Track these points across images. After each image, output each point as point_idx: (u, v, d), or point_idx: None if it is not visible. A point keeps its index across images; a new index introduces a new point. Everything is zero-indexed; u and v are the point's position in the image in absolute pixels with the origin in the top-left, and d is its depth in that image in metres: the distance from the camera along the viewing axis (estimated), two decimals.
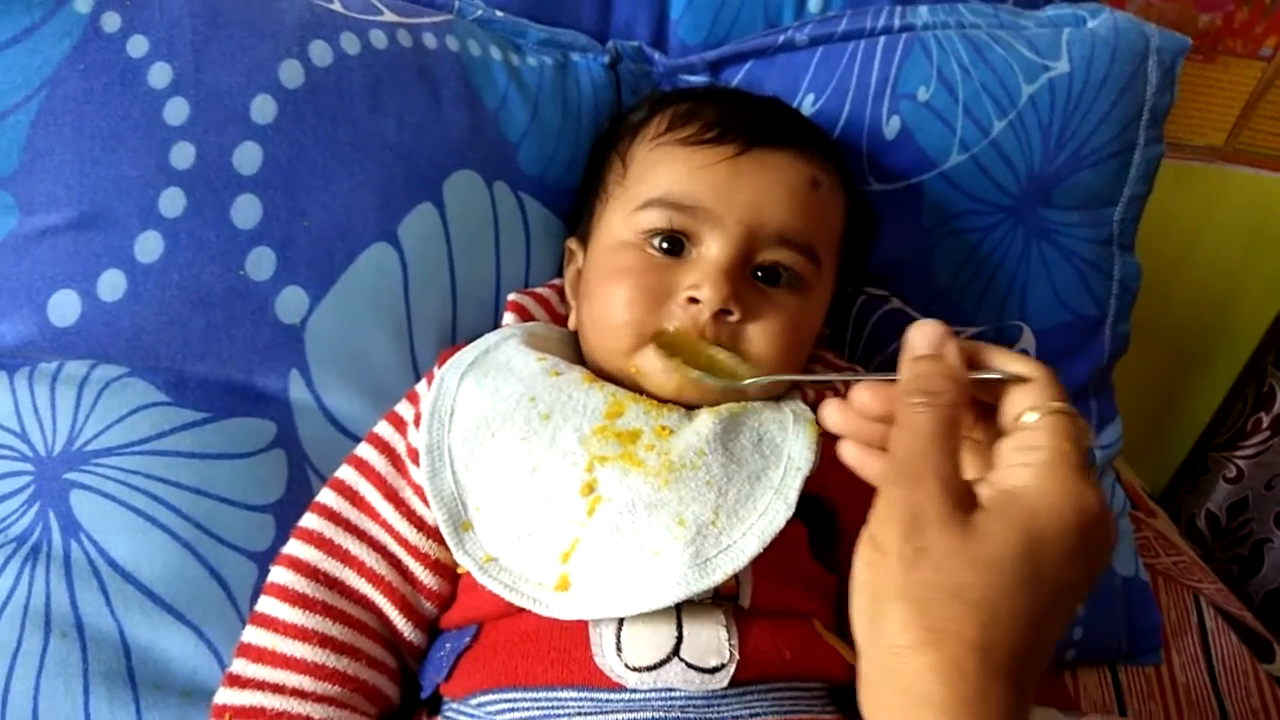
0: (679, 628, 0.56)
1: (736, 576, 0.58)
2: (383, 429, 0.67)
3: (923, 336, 0.49)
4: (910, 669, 0.40)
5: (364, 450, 0.66)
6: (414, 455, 0.64)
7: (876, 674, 0.42)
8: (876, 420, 0.50)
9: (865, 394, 0.50)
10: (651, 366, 0.64)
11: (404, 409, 0.67)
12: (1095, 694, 0.86)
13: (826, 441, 0.61)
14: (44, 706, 0.60)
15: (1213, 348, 1.41)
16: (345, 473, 0.65)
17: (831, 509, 0.64)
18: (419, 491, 0.63)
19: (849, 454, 0.51)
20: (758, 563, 0.57)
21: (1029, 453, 0.44)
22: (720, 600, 0.58)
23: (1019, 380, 0.47)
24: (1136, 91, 0.83)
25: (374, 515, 0.64)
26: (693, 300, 0.63)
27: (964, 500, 0.43)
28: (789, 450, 0.61)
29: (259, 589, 0.64)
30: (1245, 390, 1.42)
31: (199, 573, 0.64)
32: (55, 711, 0.60)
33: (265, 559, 0.65)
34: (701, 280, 0.62)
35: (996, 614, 0.40)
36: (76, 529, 0.62)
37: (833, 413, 0.52)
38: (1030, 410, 0.46)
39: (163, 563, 0.63)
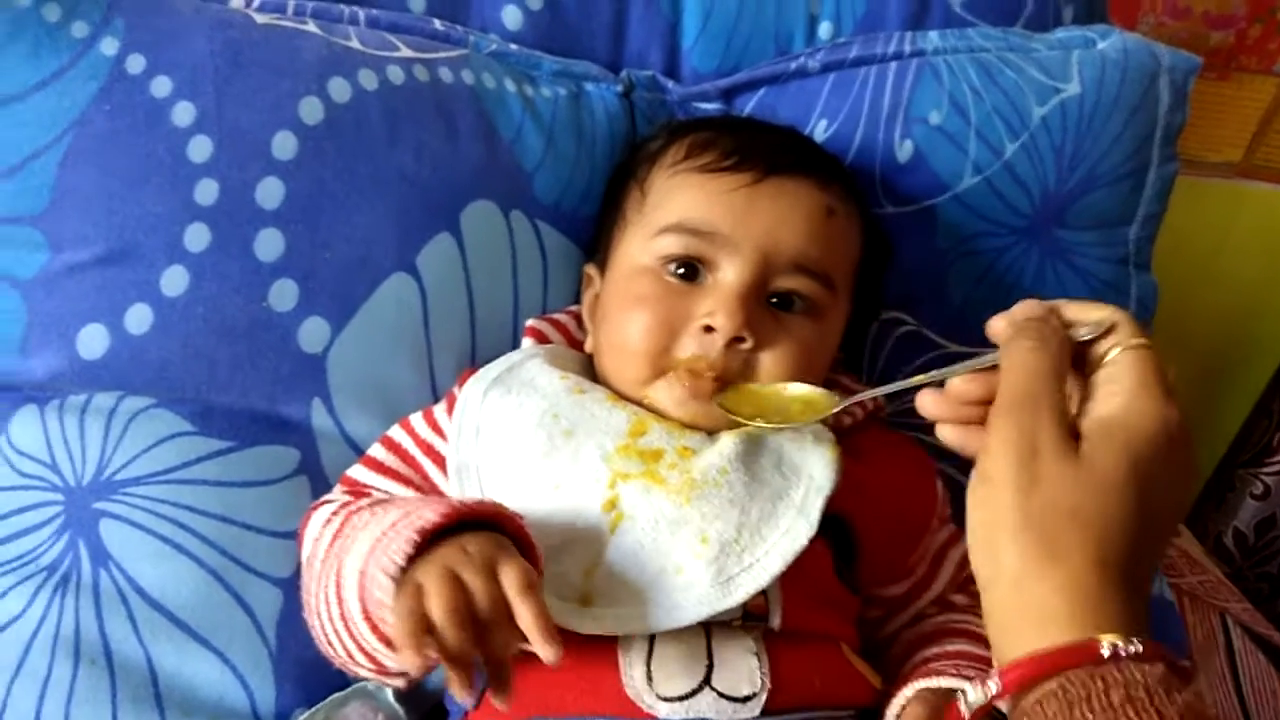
0: (709, 655, 0.57)
1: (766, 596, 0.58)
2: (394, 431, 0.69)
3: (1024, 306, 0.54)
4: (1036, 592, 0.44)
5: (394, 432, 0.69)
6: (426, 450, 0.66)
7: (1002, 605, 0.46)
8: (973, 405, 0.53)
9: (962, 382, 0.53)
10: (665, 396, 0.64)
11: (417, 422, 0.68)
12: None
13: (847, 461, 0.63)
14: None
15: (1235, 365, 1.40)
16: (379, 445, 0.68)
17: (852, 528, 0.64)
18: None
19: (947, 434, 0.54)
20: (785, 582, 0.58)
21: (1118, 382, 0.49)
22: (750, 622, 0.58)
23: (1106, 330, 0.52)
24: (1149, 111, 0.83)
25: (418, 468, 0.66)
26: (708, 329, 0.63)
27: (1070, 432, 0.47)
28: (810, 470, 0.61)
29: (284, 615, 0.66)
30: (1271, 406, 1.41)
31: (225, 599, 0.65)
32: None
33: (289, 585, 0.66)
34: (717, 308, 0.63)
35: (1109, 531, 0.44)
36: (105, 558, 0.63)
37: (929, 400, 0.55)
38: (1114, 347, 0.50)
39: (189, 589, 0.64)
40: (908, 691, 0.59)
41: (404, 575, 0.50)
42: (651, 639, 0.57)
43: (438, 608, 0.48)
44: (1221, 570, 1.06)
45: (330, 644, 0.59)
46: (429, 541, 0.51)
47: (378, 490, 0.66)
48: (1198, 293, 1.25)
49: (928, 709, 0.57)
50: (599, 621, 0.56)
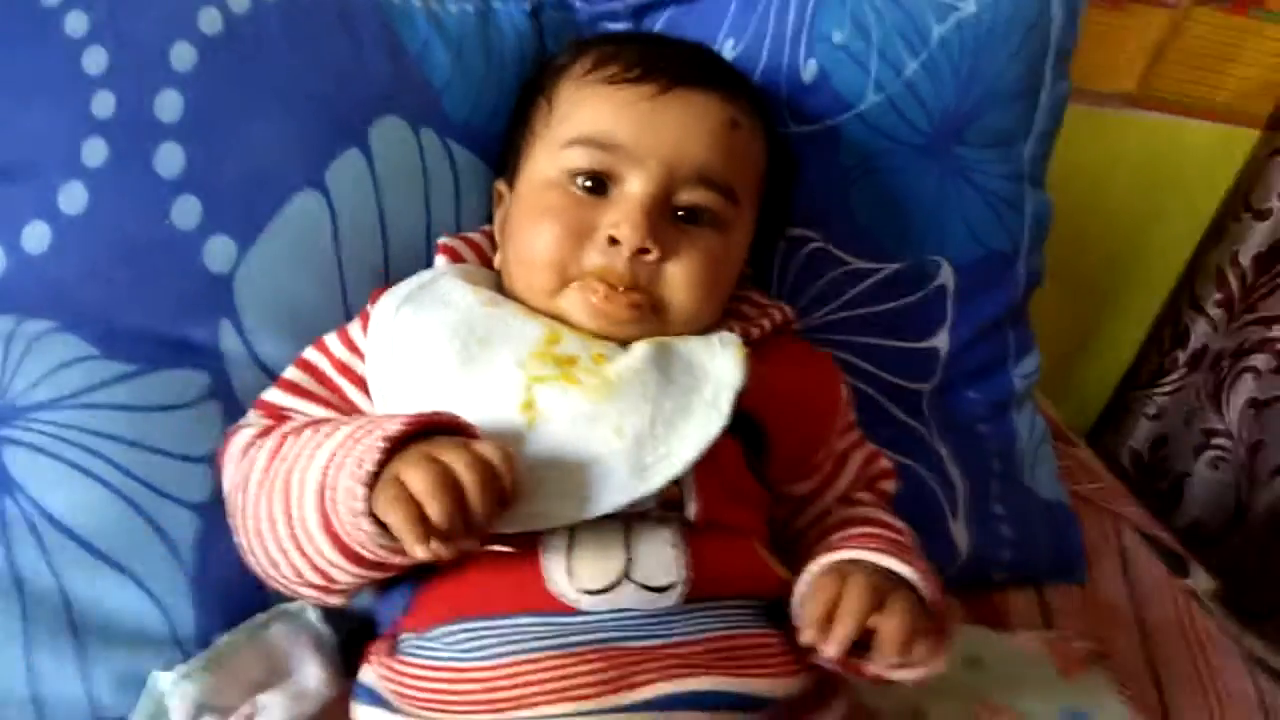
0: (628, 549, 0.58)
1: (680, 486, 0.59)
2: (309, 353, 0.68)
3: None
4: None
5: (308, 354, 0.68)
6: (343, 370, 0.66)
7: None
8: None
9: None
10: (575, 306, 0.65)
11: (331, 340, 0.68)
12: (1024, 613, 0.89)
13: (755, 364, 0.64)
14: None
15: (1126, 292, 1.46)
16: (295, 368, 0.67)
17: (761, 426, 0.66)
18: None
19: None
20: (699, 474, 0.59)
21: None
22: (667, 512, 0.59)
23: None
24: (1042, 30, 0.85)
25: (335, 389, 0.66)
26: (613, 241, 0.64)
27: None
28: (719, 371, 0.63)
29: (201, 540, 0.65)
30: (1162, 333, 1.48)
31: (138, 524, 0.64)
32: None
33: (204, 510, 0.66)
34: (621, 219, 0.63)
35: None
36: (11, 486, 0.62)
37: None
38: None
39: (101, 515, 0.63)
40: (814, 567, 0.62)
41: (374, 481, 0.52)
42: (571, 536, 0.58)
43: (423, 482, 0.50)
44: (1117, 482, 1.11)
45: (273, 565, 0.59)
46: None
47: (295, 413, 0.65)
48: (1091, 220, 1.29)
49: (831, 573, 0.59)
50: (517, 519, 0.56)
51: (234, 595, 0.66)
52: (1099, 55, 1.20)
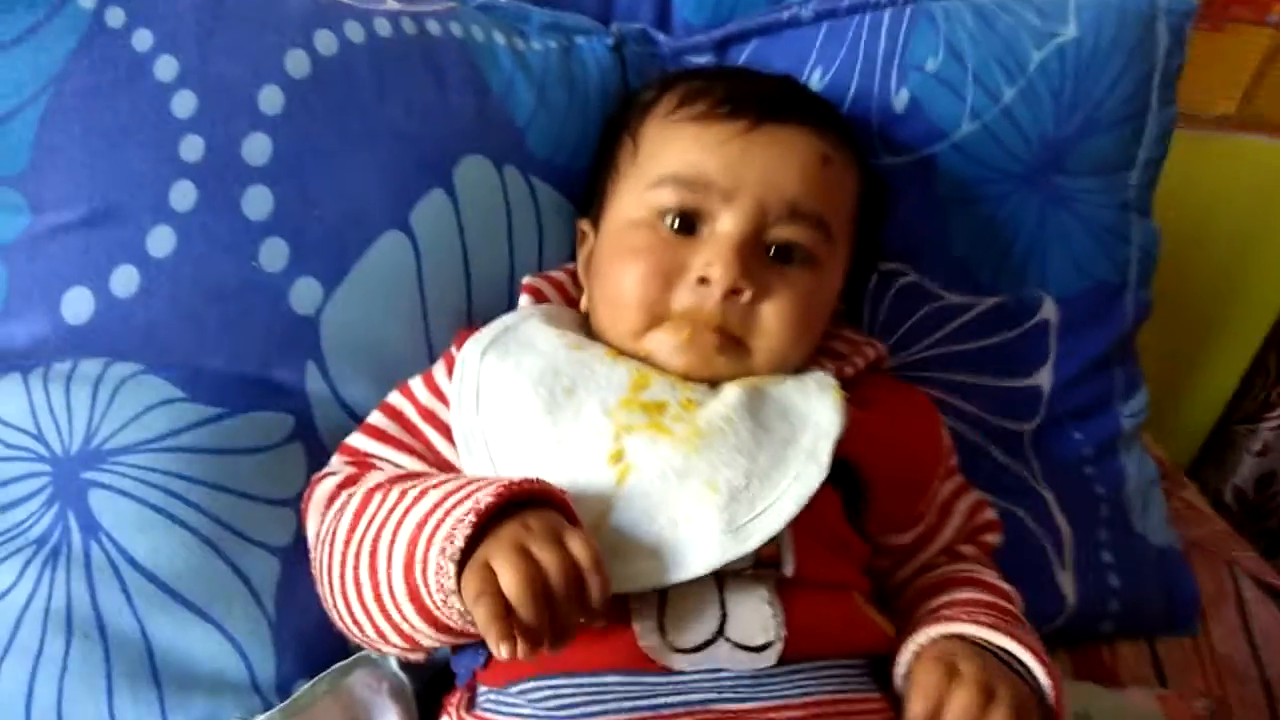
0: (722, 606, 0.56)
1: (778, 543, 0.57)
2: (394, 398, 0.67)
3: None
4: None
5: (393, 399, 0.67)
6: (428, 417, 0.65)
7: None
8: None
9: None
10: (662, 346, 0.63)
11: (417, 385, 0.67)
12: (1134, 667, 0.84)
13: (853, 408, 0.62)
14: (68, 710, 0.59)
15: (1230, 321, 1.39)
16: (379, 413, 0.67)
17: (861, 474, 0.63)
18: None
19: None
20: (797, 529, 0.57)
21: None
22: (763, 570, 0.57)
23: None
24: (1147, 53, 0.82)
25: (420, 436, 0.65)
26: (703, 281, 0.62)
27: None
28: (816, 416, 0.61)
29: (283, 584, 0.65)
30: (1267, 362, 1.40)
31: (221, 569, 0.63)
32: (79, 714, 0.60)
33: (287, 554, 0.65)
34: (713, 259, 0.62)
35: None
36: (96, 529, 0.62)
37: None
38: None
39: (184, 560, 0.62)
40: (920, 638, 0.59)
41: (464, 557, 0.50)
42: (664, 592, 0.56)
43: (515, 584, 0.48)
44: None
45: (356, 624, 0.58)
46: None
47: (380, 460, 0.65)
48: (1194, 248, 1.23)
49: (941, 653, 0.56)
50: (611, 578, 0.54)
51: (315, 641, 0.65)
52: (1198, 77, 1.14)
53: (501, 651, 0.47)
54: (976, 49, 0.80)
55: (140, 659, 0.61)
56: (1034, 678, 0.56)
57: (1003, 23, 0.81)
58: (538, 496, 0.54)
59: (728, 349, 0.63)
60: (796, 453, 0.59)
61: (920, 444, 0.69)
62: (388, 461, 0.65)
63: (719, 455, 0.57)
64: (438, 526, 0.52)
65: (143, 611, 0.61)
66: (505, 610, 0.48)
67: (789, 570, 0.58)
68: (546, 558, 0.49)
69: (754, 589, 0.57)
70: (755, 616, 0.56)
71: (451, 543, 0.50)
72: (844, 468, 0.61)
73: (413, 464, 0.64)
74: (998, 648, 0.57)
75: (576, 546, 0.50)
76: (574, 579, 0.49)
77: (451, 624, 0.53)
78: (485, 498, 0.52)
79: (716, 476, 0.57)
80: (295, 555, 0.65)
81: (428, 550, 0.52)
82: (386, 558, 0.55)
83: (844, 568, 0.62)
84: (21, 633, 0.60)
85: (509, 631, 0.47)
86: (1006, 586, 0.66)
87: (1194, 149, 1.17)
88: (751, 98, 0.66)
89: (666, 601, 0.56)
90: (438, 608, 0.52)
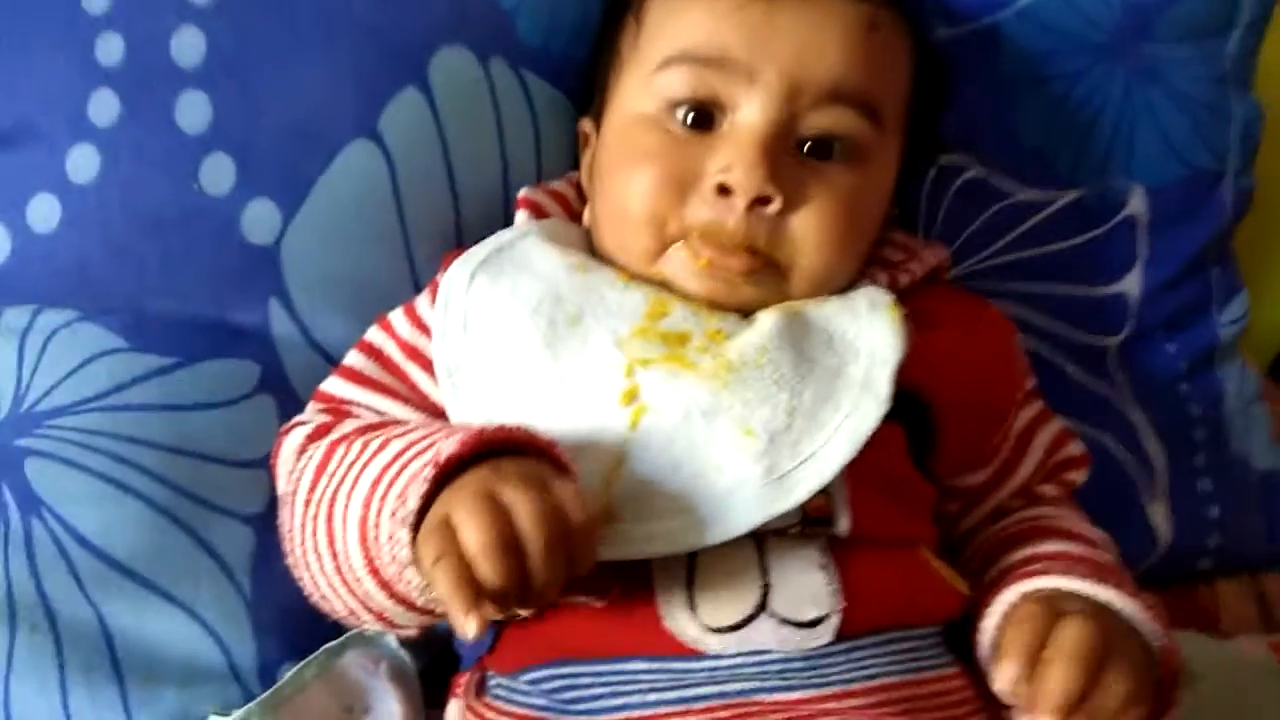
0: (764, 573, 0.49)
1: (828, 494, 0.50)
2: (372, 333, 0.61)
3: None
4: None
5: (372, 335, 0.61)
6: (412, 354, 0.59)
7: None
8: None
9: None
10: (680, 270, 0.55)
11: (397, 318, 0.60)
12: (1237, 609, 0.77)
13: (913, 327, 0.54)
14: (17, 711, 0.56)
15: None
16: (356, 352, 0.60)
17: (927, 405, 0.56)
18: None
19: None
20: (852, 476, 0.50)
21: None
22: (811, 527, 0.50)
23: None
24: None
25: (403, 377, 0.58)
26: (723, 190, 0.54)
27: None
28: (869, 341, 0.53)
29: (257, 556, 0.60)
30: None
31: (184, 543, 0.58)
32: (30, 714, 0.56)
33: (260, 522, 0.60)
34: (734, 160, 0.54)
35: None
36: (36, 504, 0.57)
37: None
38: None
39: (140, 535, 0.58)
40: (1009, 596, 0.51)
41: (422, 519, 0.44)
42: (691, 559, 0.50)
43: (475, 533, 0.40)
44: None
45: (324, 600, 0.53)
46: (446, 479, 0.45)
47: (359, 406, 0.59)
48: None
49: (1043, 608, 0.48)
50: (628, 542, 0.48)
51: (300, 619, 0.59)
52: None
53: (468, 630, 0.40)
54: None
55: (97, 650, 0.57)
56: (1145, 637, 0.49)
57: None
58: (519, 446, 0.47)
59: (757, 273, 0.55)
60: (848, 385, 0.52)
61: (995, 365, 0.61)
62: (367, 408, 0.59)
63: (754, 391, 0.50)
64: (391, 484, 0.46)
65: (96, 596, 0.57)
66: (468, 575, 0.40)
67: (843, 528, 0.51)
68: (514, 497, 0.42)
69: (802, 551, 0.50)
70: (805, 585, 0.49)
71: (404, 504, 0.43)
72: (905, 399, 0.53)
73: (397, 409, 0.58)
74: (1102, 603, 0.49)
75: (558, 487, 0.43)
76: (551, 521, 0.42)
77: (415, 598, 0.45)
78: (448, 447, 0.44)
79: (751, 417, 0.50)
80: (270, 523, 0.59)
81: (379, 513, 0.45)
82: (342, 523, 0.49)
83: (909, 519, 0.55)
84: None
85: (473, 602, 0.40)
86: (1098, 534, 0.59)
87: None
88: None
89: (696, 570, 0.49)
90: (395, 579, 0.46)
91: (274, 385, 0.62)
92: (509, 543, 0.41)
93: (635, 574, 0.49)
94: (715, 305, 0.55)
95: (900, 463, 0.55)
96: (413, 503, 0.43)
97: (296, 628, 0.60)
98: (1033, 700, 0.44)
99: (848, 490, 0.51)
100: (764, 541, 0.50)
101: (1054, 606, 0.47)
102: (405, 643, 0.60)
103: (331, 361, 0.62)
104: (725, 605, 0.48)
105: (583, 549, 0.43)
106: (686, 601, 0.49)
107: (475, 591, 0.40)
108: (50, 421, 0.57)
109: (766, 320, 0.54)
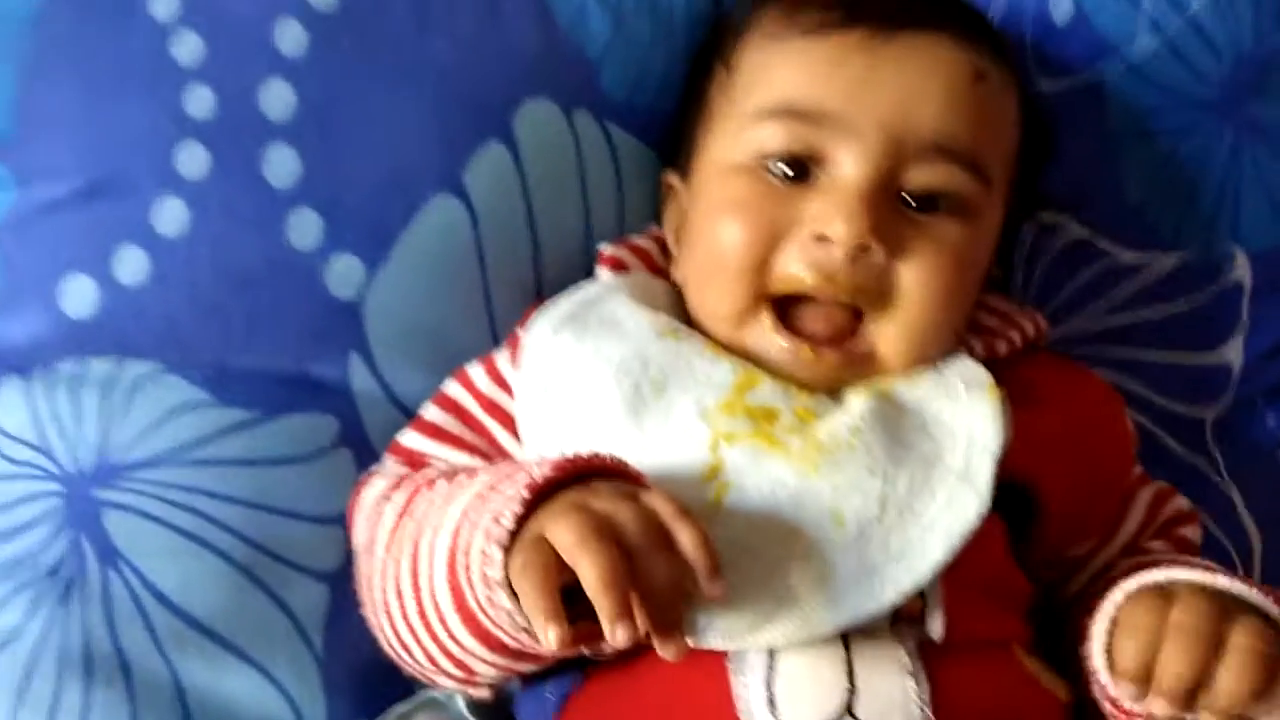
0: (850, 675, 0.46)
1: (923, 594, 0.48)
2: (450, 387, 0.60)
3: None
4: None
5: (450, 388, 0.60)
6: (491, 409, 0.58)
7: None
8: None
9: None
10: (768, 343, 0.54)
11: (477, 373, 0.60)
12: None
13: (1014, 408, 0.52)
14: None
15: None
16: (434, 406, 0.60)
17: (1033, 495, 0.53)
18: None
19: None
20: (948, 575, 0.48)
21: None
22: (901, 627, 0.48)
23: None
24: None
25: (483, 432, 0.58)
26: (821, 239, 0.52)
27: None
28: (968, 426, 0.51)
29: (331, 616, 0.60)
30: None
31: (260, 600, 0.58)
32: None
33: (337, 580, 0.60)
34: (832, 210, 0.52)
35: None
36: (114, 556, 0.57)
37: None
38: None
39: (217, 592, 0.58)
40: (1116, 595, 0.49)
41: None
42: (772, 650, 0.47)
43: (570, 535, 0.40)
44: None
45: (405, 647, 0.52)
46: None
47: (437, 460, 0.58)
48: None
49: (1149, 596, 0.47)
50: (703, 633, 0.46)
51: (371, 680, 0.60)
52: None
53: (550, 637, 0.38)
54: None
55: (171, 707, 0.56)
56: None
57: None
58: (611, 473, 0.46)
59: (850, 357, 0.54)
60: (945, 474, 0.49)
61: (1104, 445, 0.59)
62: (445, 462, 0.58)
63: (845, 476, 0.49)
64: (483, 510, 0.45)
65: (172, 652, 0.56)
66: (558, 585, 0.39)
67: (937, 631, 0.48)
68: (608, 505, 0.42)
69: (890, 651, 0.47)
70: (892, 691, 0.46)
71: (499, 523, 0.42)
72: (1008, 490, 0.51)
73: (472, 463, 0.57)
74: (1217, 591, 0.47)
75: (655, 498, 0.43)
76: (653, 528, 0.41)
77: (505, 639, 0.45)
78: (542, 470, 0.44)
79: (842, 504, 0.48)
80: (345, 581, 0.59)
81: (471, 538, 0.44)
82: (429, 558, 0.47)
83: (1004, 618, 0.52)
84: (35, 681, 0.55)
85: (557, 608, 0.39)
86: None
87: None
88: (874, 0, 0.56)
89: (776, 661, 0.47)
90: (483, 610, 0.44)
91: (352, 440, 0.61)
92: (608, 535, 0.40)
93: (712, 657, 0.47)
94: (804, 382, 0.54)
95: (997, 558, 0.52)
96: (507, 521, 0.42)
97: (367, 689, 0.59)
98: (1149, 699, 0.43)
99: (942, 589, 0.48)
100: (849, 636, 0.47)
101: (1165, 592, 0.46)
102: (474, 707, 0.59)
103: (409, 416, 0.62)
104: (806, 704, 0.46)
105: (695, 548, 0.41)
106: (765, 696, 0.46)
107: (559, 598, 0.39)
108: (131, 474, 0.57)
109: (857, 401, 0.52)
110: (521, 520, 0.42)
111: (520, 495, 0.42)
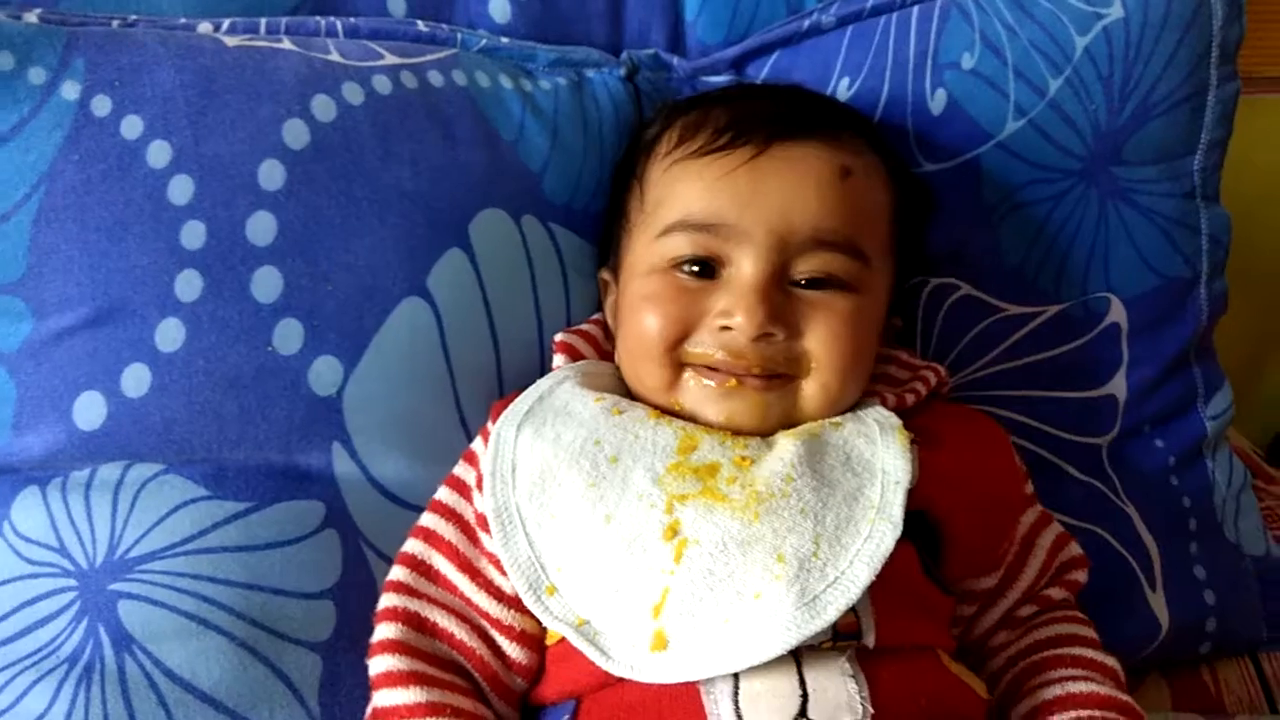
0: (802, 684, 0.51)
1: (855, 612, 0.53)
2: (445, 495, 0.63)
3: None
4: None
5: (429, 520, 0.62)
6: (483, 521, 0.60)
7: None
8: None
9: None
10: (697, 398, 0.60)
11: (464, 471, 0.64)
12: (1239, 689, 0.78)
13: (920, 448, 0.58)
14: None
15: None
16: (413, 545, 0.62)
17: (937, 522, 0.59)
18: (494, 561, 0.59)
19: None
20: (874, 593, 0.53)
21: None
22: (841, 641, 0.53)
23: None
24: (1202, 27, 0.76)
25: (451, 589, 0.60)
26: (726, 329, 0.59)
27: None
28: (883, 464, 0.57)
29: (325, 682, 0.62)
30: None
31: (260, 672, 0.61)
32: None
33: (329, 649, 0.62)
34: (734, 306, 0.59)
35: None
36: (128, 641, 0.59)
37: None
38: None
39: (221, 666, 0.60)
40: None
41: None
42: (737, 673, 0.52)
43: None
44: None
45: None
46: None
47: (441, 570, 0.61)
48: (1262, 218, 1.15)
49: None
50: (679, 666, 0.52)
51: None
52: (1257, 38, 1.07)
53: None
54: (1015, 40, 0.75)
55: None
56: None
57: (1041, 9, 0.76)
58: None
59: (774, 387, 0.59)
60: (865, 509, 0.55)
61: (997, 481, 0.64)
62: (443, 575, 0.61)
63: (782, 520, 0.53)
64: None
65: None
66: None
67: (870, 640, 0.53)
68: None
69: (834, 661, 0.52)
70: (838, 693, 0.51)
71: None
72: (918, 518, 0.57)
73: (471, 590, 0.60)
74: None
75: None
76: None
77: None
78: None
79: (782, 545, 0.53)
80: (337, 649, 0.62)
81: None
82: None
83: (928, 627, 0.57)
84: None
85: None
86: (1110, 662, 0.61)
87: (1256, 112, 1.10)
88: (755, 119, 0.62)
89: (740, 683, 0.52)
90: None
91: (337, 520, 0.64)
92: None
93: (685, 686, 0.52)
94: (736, 429, 0.59)
95: (916, 577, 0.57)
96: None
97: None
98: None
99: (872, 606, 0.54)
100: (800, 654, 0.52)
101: None
102: None
103: (389, 496, 0.66)
104: (768, 714, 0.51)
105: None
106: (734, 712, 0.51)
107: None
108: (141, 566, 0.60)
109: (787, 446, 0.57)
110: None
111: None
